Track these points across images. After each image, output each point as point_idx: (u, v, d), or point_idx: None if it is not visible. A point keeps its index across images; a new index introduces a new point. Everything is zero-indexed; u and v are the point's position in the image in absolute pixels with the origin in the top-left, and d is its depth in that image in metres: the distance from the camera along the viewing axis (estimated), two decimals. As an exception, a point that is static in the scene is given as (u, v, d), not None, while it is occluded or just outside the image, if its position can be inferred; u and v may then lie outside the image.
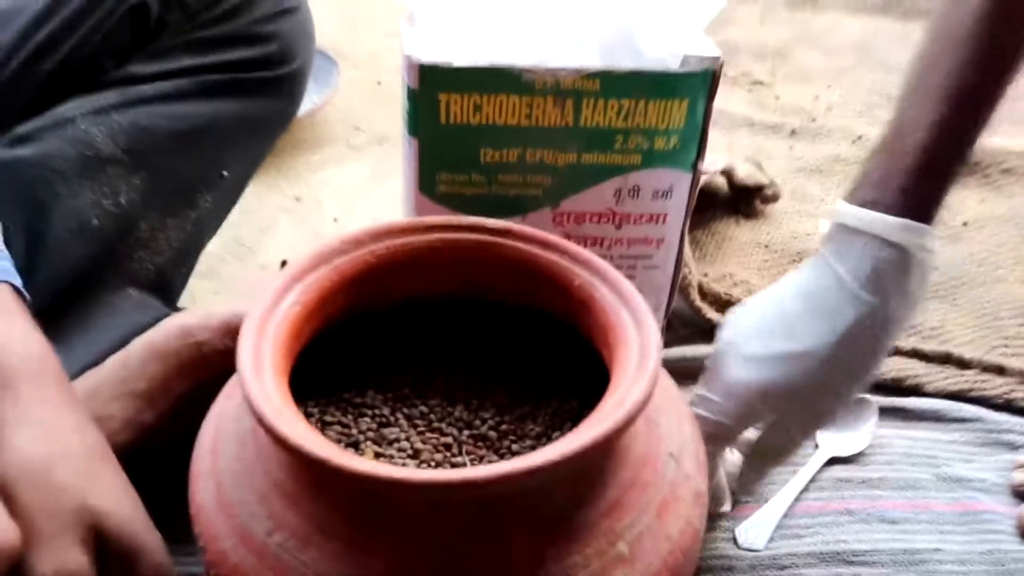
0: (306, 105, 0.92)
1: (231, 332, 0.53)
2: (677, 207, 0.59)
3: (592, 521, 0.37)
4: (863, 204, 0.46)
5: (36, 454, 0.39)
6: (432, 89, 0.52)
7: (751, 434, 0.52)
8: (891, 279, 0.45)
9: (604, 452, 0.37)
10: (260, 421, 0.35)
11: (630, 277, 0.63)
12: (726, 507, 0.54)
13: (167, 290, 0.64)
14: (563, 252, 0.45)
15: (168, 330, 0.54)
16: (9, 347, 0.42)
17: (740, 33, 1.19)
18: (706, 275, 0.74)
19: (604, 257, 0.61)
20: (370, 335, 0.48)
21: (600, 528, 0.37)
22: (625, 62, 0.53)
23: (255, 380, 0.36)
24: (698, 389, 0.51)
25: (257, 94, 0.66)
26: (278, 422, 0.34)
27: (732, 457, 0.55)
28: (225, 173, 0.66)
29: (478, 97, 0.52)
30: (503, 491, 0.33)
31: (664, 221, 0.59)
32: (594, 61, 0.53)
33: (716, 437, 0.50)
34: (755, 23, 1.22)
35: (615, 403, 0.36)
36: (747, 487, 0.54)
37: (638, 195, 0.58)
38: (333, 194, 0.87)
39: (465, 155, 0.55)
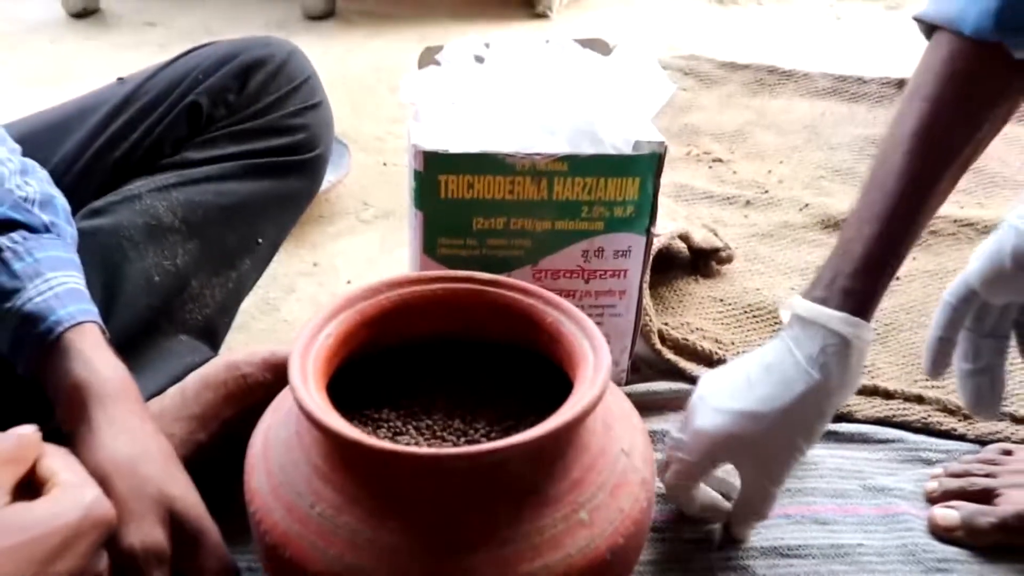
0: (323, 184, 1.06)
1: (271, 367, 0.65)
2: (635, 264, 0.72)
3: (559, 494, 0.48)
4: (815, 300, 0.57)
5: (125, 453, 0.51)
6: (434, 171, 0.66)
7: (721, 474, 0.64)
8: (834, 360, 0.56)
9: (566, 438, 0.49)
10: (308, 416, 0.47)
11: (598, 324, 0.75)
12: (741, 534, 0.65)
13: (213, 337, 0.76)
14: (537, 297, 0.58)
15: (218, 365, 0.66)
16: (102, 372, 0.54)
17: (704, 117, 1.34)
18: (667, 324, 0.86)
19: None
20: (386, 365, 0.60)
21: (566, 500, 0.48)
22: (588, 148, 0.67)
23: (303, 387, 0.49)
24: (673, 432, 0.63)
25: (287, 175, 0.79)
26: (321, 415, 0.46)
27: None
28: (260, 240, 0.79)
29: (471, 177, 0.66)
30: (491, 463, 0.45)
31: (625, 276, 0.72)
32: (563, 147, 0.66)
33: (684, 473, 0.62)
34: (717, 108, 1.37)
35: (574, 402, 0.48)
36: (739, 536, 0.65)
37: (602, 255, 0.71)
38: (346, 261, 1.00)
39: (461, 224, 0.68)
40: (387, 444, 0.45)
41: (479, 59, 0.71)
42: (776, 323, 0.92)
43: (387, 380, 0.60)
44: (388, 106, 1.38)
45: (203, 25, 1.76)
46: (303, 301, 0.94)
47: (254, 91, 0.78)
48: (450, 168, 0.65)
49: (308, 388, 0.49)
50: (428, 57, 0.77)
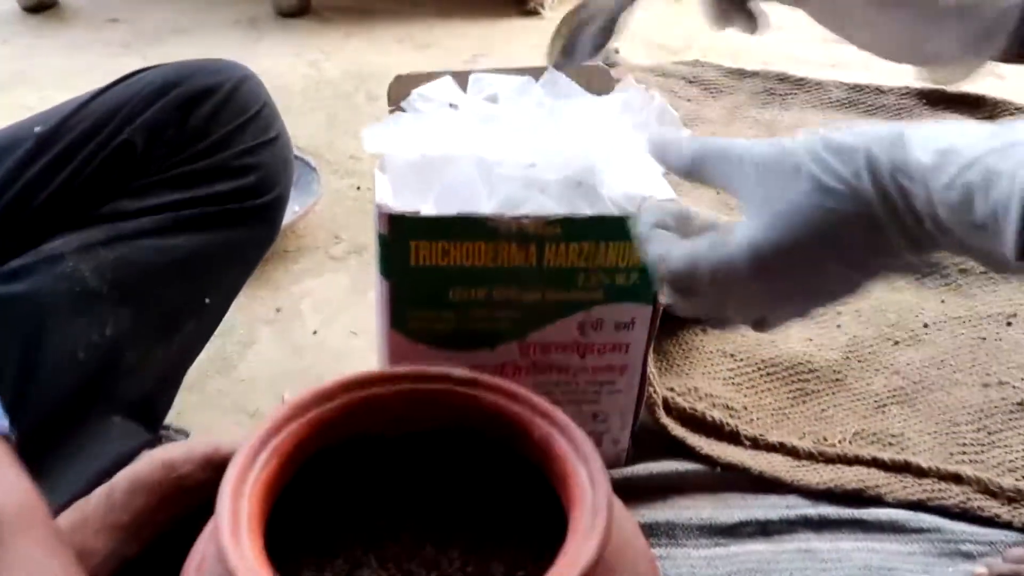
0: (287, 215, 0.95)
1: (212, 465, 0.55)
2: (639, 337, 0.62)
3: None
4: None
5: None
6: (403, 236, 0.55)
7: None
8: None
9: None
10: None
11: (594, 403, 0.66)
12: None
13: (151, 415, 0.66)
14: (526, 404, 0.48)
15: (152, 464, 0.56)
16: (-1, 500, 0.44)
17: (710, 131, 1.24)
18: (672, 389, 0.77)
19: (569, 384, 0.64)
20: (343, 473, 0.50)
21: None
22: (585, 207, 0.57)
23: (233, 545, 0.39)
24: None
25: (238, 224, 0.69)
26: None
27: None
28: (208, 300, 0.69)
29: (446, 243, 0.56)
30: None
31: (627, 350, 0.62)
32: (555, 207, 0.56)
33: None
34: (724, 121, 1.27)
35: (569, 562, 0.39)
36: None
37: (601, 327, 0.61)
38: (313, 305, 0.89)
39: (435, 294, 0.58)
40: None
41: (453, 106, 0.61)
42: (795, 380, 0.83)
43: (345, 493, 0.50)
44: (366, 117, 1.27)
45: (171, 23, 1.64)
46: (264, 355, 0.84)
47: (198, 126, 0.67)
48: (421, 233, 0.55)
49: (239, 541, 0.39)
50: (400, 90, 0.67)
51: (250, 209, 0.70)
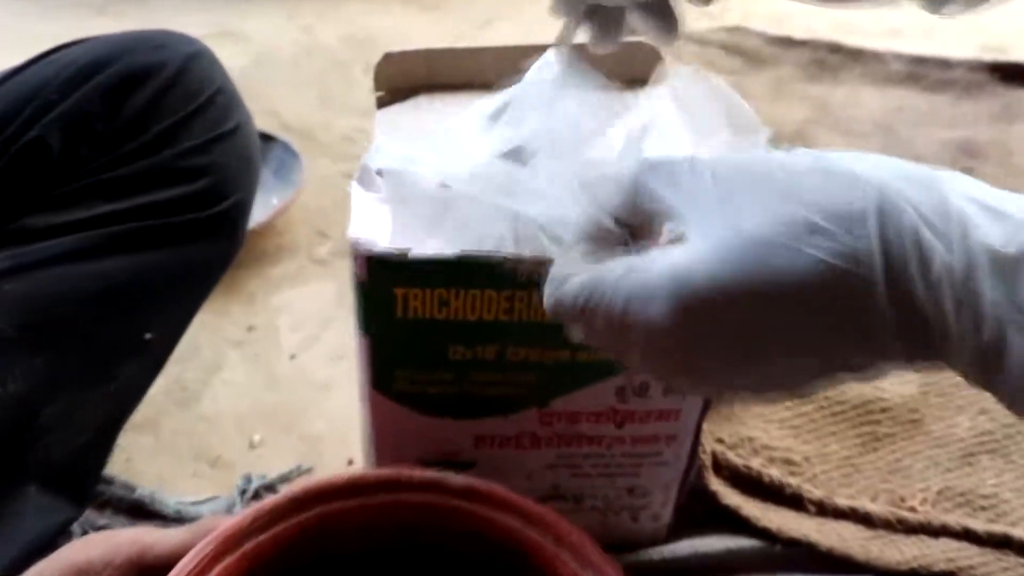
0: (263, 209, 0.82)
1: (140, 570, 0.42)
2: (693, 402, 0.48)
3: None
4: None
5: None
6: (385, 283, 0.42)
7: None
8: None
9: None
10: None
11: (632, 476, 0.52)
12: None
13: (78, 482, 0.53)
14: (547, 530, 0.35)
15: (62, 566, 0.43)
16: None
17: (753, 109, 1.09)
18: (721, 441, 0.63)
19: (602, 456, 0.50)
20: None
21: None
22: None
23: None
24: None
25: (187, 240, 0.55)
26: None
27: None
28: (149, 335, 0.55)
29: (444, 292, 0.42)
30: None
31: (677, 417, 0.48)
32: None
33: None
34: (769, 97, 1.12)
35: None
36: None
37: (646, 392, 0.47)
38: (291, 322, 0.76)
39: (429, 352, 0.44)
40: None
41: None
42: (865, 422, 0.69)
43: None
44: (363, 92, 1.11)
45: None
46: (231, 385, 0.70)
47: (133, 118, 0.54)
48: (411, 279, 0.41)
49: None
50: (390, 71, 0.52)
51: (202, 221, 0.56)
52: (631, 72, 0.53)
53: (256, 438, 0.67)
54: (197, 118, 0.56)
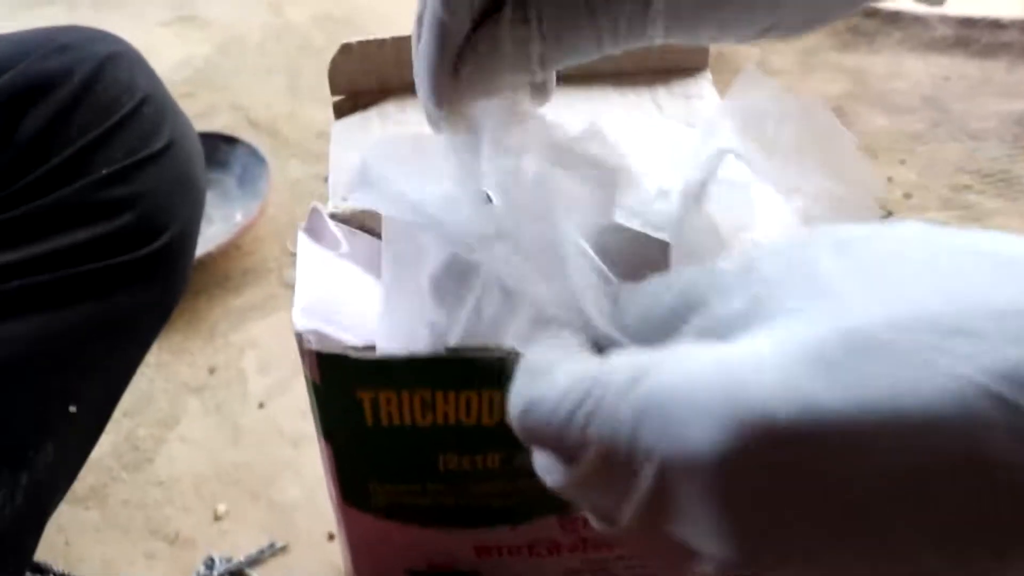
0: (225, 227, 0.70)
1: None
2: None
3: None
4: None
5: None
6: (346, 386, 0.30)
7: None
8: None
9: None
10: None
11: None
12: None
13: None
14: None
15: None
16: None
17: (781, 84, 0.96)
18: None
19: (634, 570, 0.40)
20: None
21: None
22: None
23: None
24: None
25: (112, 289, 0.44)
26: None
27: None
28: (74, 408, 0.45)
29: (426, 393, 0.31)
30: None
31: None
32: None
33: None
34: (799, 70, 0.99)
35: None
36: None
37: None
38: (259, 361, 0.65)
39: (413, 463, 0.34)
40: None
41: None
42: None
43: None
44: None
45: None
46: (191, 442, 0.60)
47: (34, 141, 0.43)
48: (379, 381, 0.30)
49: None
50: (347, 67, 0.41)
51: (131, 264, 0.45)
52: (664, 63, 0.41)
53: (220, 508, 0.56)
54: (116, 137, 0.44)
